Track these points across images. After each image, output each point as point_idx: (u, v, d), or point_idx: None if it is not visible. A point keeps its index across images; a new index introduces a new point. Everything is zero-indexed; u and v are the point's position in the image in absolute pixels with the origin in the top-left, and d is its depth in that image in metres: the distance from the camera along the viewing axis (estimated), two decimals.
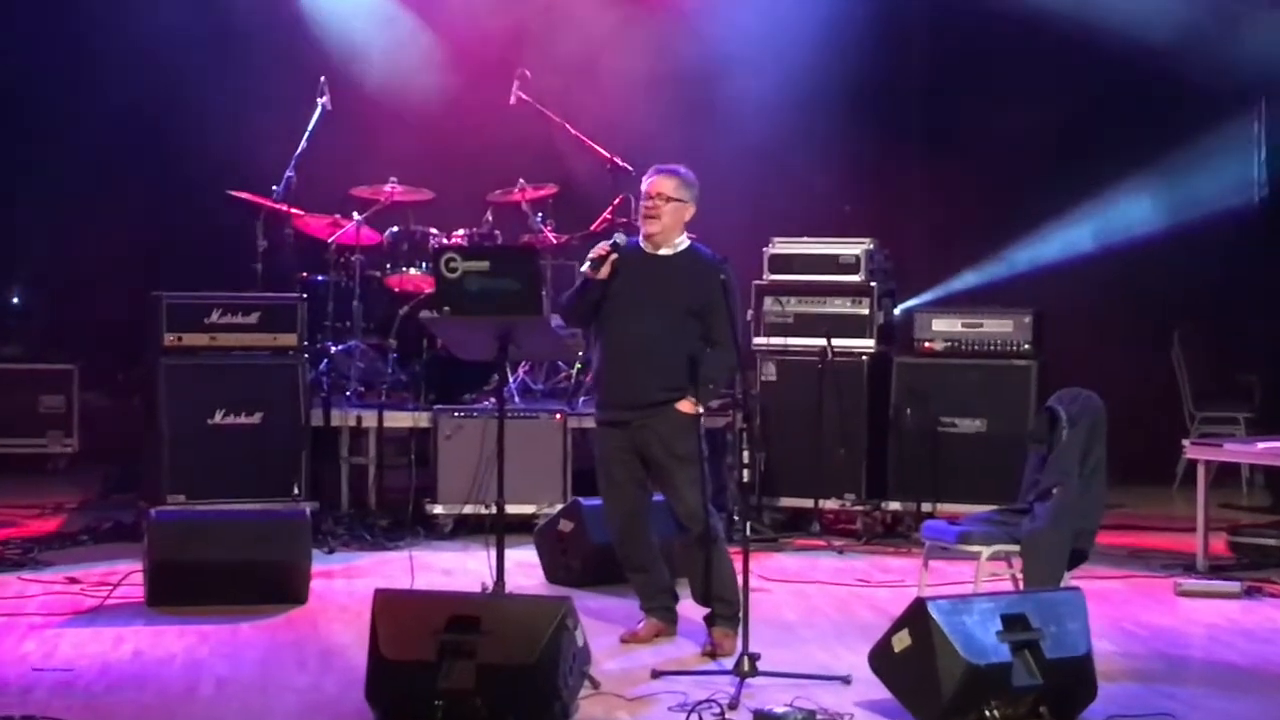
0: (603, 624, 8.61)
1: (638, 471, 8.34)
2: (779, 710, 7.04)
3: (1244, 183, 13.43)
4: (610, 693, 7.44)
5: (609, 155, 12.18)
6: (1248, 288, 13.40)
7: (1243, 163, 13.44)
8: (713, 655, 8.10)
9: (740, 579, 7.89)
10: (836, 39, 13.48)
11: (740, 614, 7.94)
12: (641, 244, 8.35)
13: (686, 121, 13.17)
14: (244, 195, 11.88)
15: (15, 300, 13.64)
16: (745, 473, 8.25)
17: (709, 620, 8.31)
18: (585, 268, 8.31)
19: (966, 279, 12.91)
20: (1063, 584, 8.47)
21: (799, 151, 13.53)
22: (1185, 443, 10.81)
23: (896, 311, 11.93)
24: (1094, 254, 13.19)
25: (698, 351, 8.17)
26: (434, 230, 12.14)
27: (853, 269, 11.61)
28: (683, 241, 8.36)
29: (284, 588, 9.08)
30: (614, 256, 8.23)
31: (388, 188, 12.08)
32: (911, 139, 14.32)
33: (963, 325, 11.52)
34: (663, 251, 8.32)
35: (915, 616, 7.06)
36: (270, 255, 11.85)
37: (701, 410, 8.25)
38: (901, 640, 7.09)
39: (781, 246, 11.79)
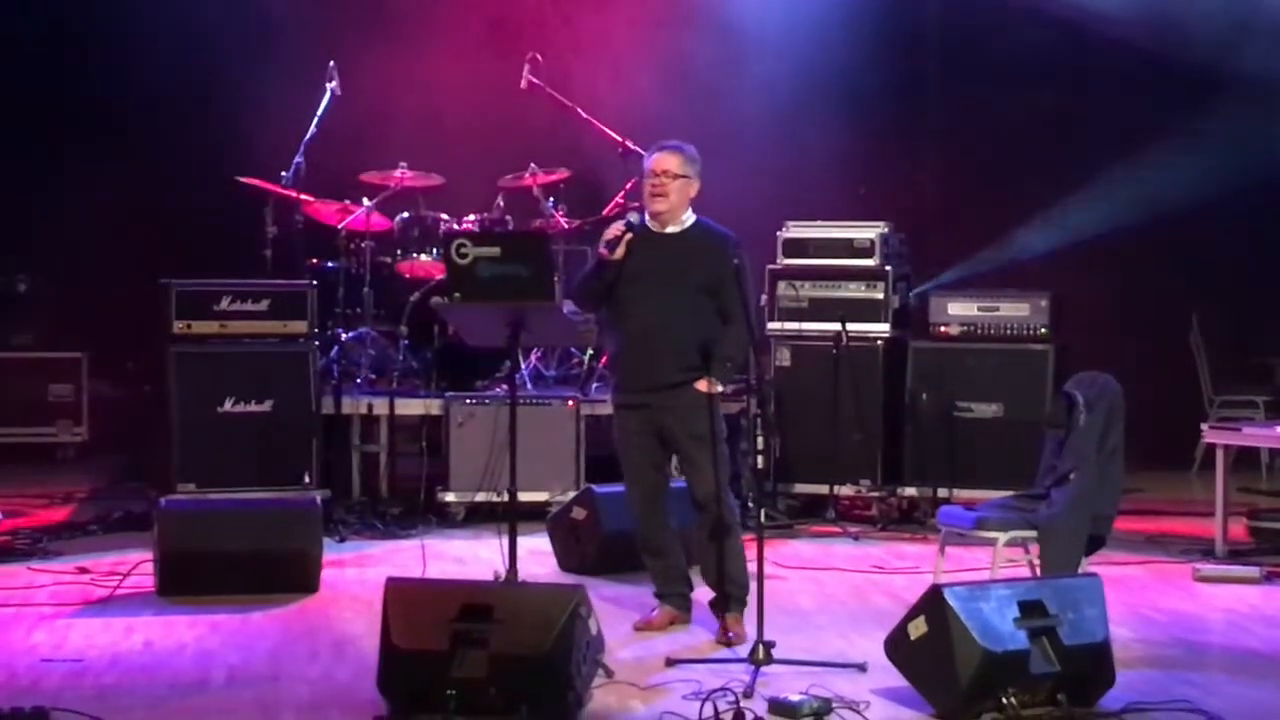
0: (616, 612, 8.58)
1: (656, 454, 8.31)
2: (794, 698, 7.00)
3: (1264, 162, 13.30)
4: (624, 681, 7.39)
5: (620, 139, 12.11)
6: (1267, 270, 13.32)
7: (1262, 141, 13.30)
8: (728, 643, 8.05)
9: (755, 566, 7.83)
10: (849, 22, 13.39)
11: (747, 598, 7.95)
12: (649, 223, 8.31)
13: (699, 105, 13.09)
14: (253, 181, 11.83)
15: (23, 288, 13.61)
16: (760, 459, 8.18)
17: (717, 605, 8.26)
18: (600, 249, 8.26)
19: (983, 262, 12.82)
20: (1080, 570, 8.43)
21: (812, 134, 13.45)
22: (1204, 426, 10.75)
23: (911, 295, 11.86)
24: (1112, 236, 13.10)
25: (713, 329, 8.14)
26: (445, 216, 12.08)
27: (868, 253, 11.55)
28: (689, 218, 8.31)
29: (295, 577, 9.03)
30: (629, 236, 8.18)
31: (398, 173, 12.02)
32: (926, 121, 14.25)
33: (979, 309, 11.46)
34: (670, 230, 8.27)
35: (931, 603, 7.02)
36: (280, 242, 11.79)
37: (720, 389, 8.20)
38: (918, 627, 7.06)
39: (796, 230, 11.73)
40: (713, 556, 8.23)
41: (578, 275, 8.72)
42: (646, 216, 8.33)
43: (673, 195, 8.22)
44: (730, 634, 8.10)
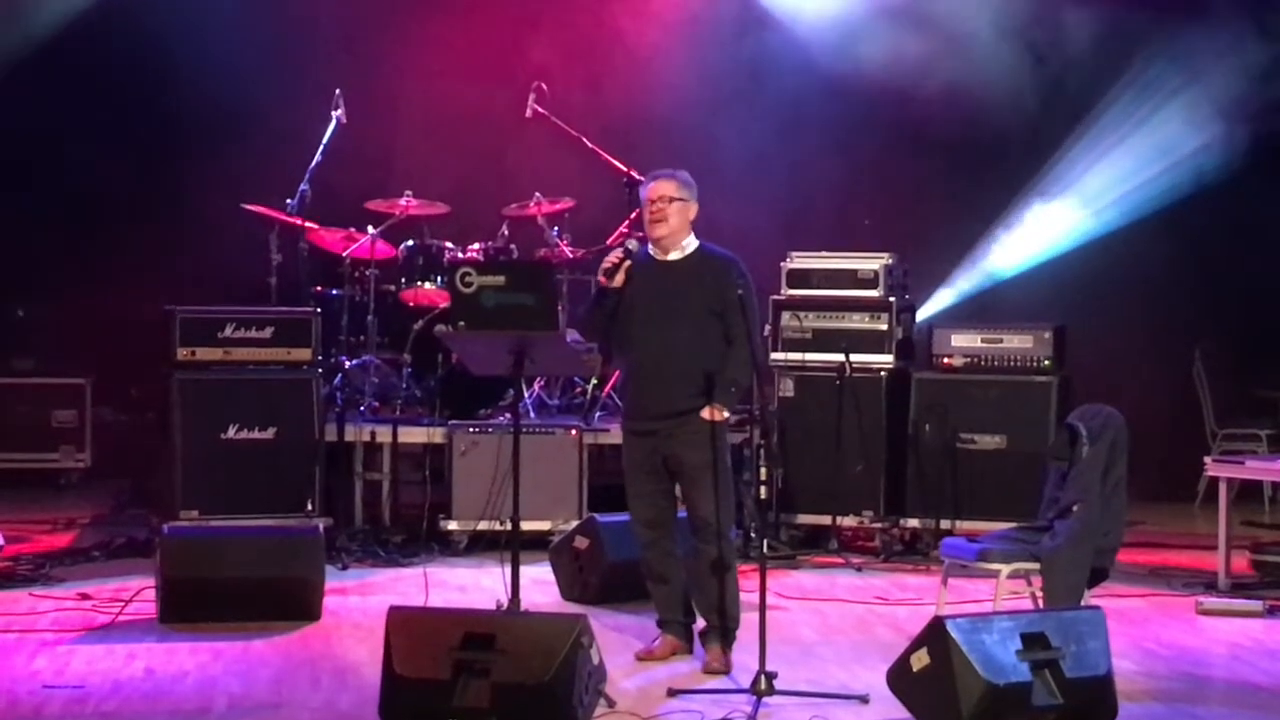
0: (619, 641, 8.58)
1: (664, 482, 8.33)
2: None
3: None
4: (626, 711, 7.39)
5: (625, 169, 12.13)
6: (1270, 304, 13.31)
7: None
8: (715, 671, 8.06)
9: (757, 596, 7.82)
10: (854, 52, 13.39)
11: (737, 633, 8.04)
12: (652, 251, 8.36)
13: (703, 136, 13.11)
14: (258, 209, 11.86)
15: (27, 314, 13.62)
16: (762, 489, 8.16)
17: (707, 636, 8.26)
18: (599, 277, 8.29)
19: (986, 293, 12.82)
20: (1083, 602, 8.42)
21: (817, 165, 13.45)
22: (1207, 460, 10.76)
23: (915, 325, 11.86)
24: (1116, 268, 13.09)
25: (720, 354, 8.15)
26: (449, 244, 12.10)
27: (871, 284, 11.55)
28: (691, 243, 8.36)
29: (297, 604, 9.03)
30: (628, 263, 8.21)
31: (403, 201, 12.03)
32: (931, 152, 14.21)
33: (982, 341, 11.45)
34: (673, 256, 8.33)
35: (934, 635, 7.02)
36: (284, 269, 11.83)
37: (726, 415, 8.19)
38: (920, 659, 7.05)
39: (800, 261, 11.73)
40: (709, 589, 8.23)
41: (583, 306, 8.74)
42: (650, 246, 8.37)
43: (672, 219, 8.28)
44: (716, 664, 8.13)
